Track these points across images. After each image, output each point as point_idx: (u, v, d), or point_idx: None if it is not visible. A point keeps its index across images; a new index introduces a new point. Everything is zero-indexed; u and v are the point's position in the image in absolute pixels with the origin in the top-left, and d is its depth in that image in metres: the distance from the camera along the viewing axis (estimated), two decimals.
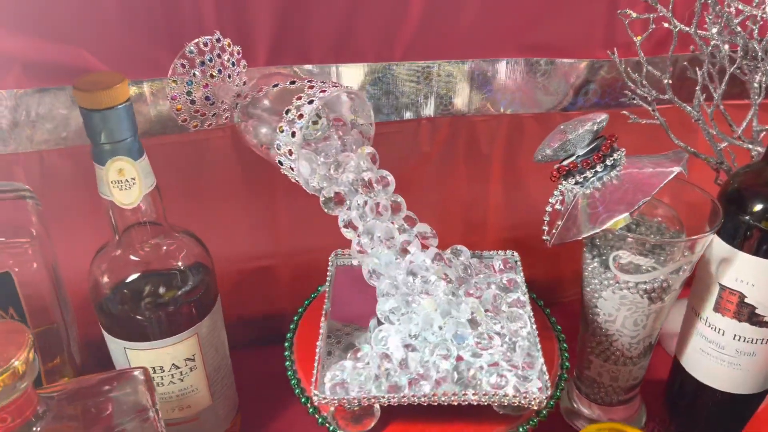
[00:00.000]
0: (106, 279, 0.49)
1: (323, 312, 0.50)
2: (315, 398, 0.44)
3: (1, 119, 0.56)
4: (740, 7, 0.54)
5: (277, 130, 0.46)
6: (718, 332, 0.56)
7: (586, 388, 0.62)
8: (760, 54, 0.53)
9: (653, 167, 0.51)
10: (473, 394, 0.43)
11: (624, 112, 0.62)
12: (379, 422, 0.45)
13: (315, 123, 0.49)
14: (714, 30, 0.55)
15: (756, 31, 0.53)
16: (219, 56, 0.53)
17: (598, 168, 0.52)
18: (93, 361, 0.60)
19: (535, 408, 0.44)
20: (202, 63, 0.52)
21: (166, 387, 0.52)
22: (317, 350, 0.46)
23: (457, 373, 0.44)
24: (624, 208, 0.49)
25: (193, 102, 0.52)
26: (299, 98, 0.45)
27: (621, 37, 0.63)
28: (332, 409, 0.45)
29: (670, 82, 0.59)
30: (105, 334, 0.51)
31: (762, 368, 0.56)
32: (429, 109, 0.64)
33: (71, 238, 0.57)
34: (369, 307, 0.51)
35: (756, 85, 0.56)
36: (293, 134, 0.45)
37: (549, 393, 0.43)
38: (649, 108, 0.61)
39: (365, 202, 0.48)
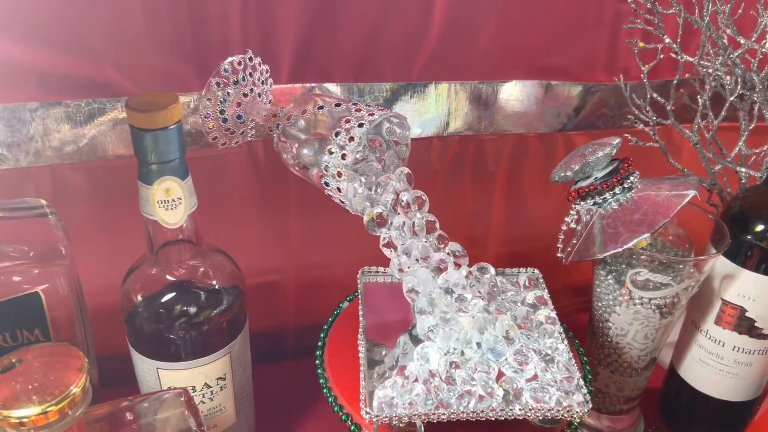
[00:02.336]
0: (140, 298, 0.49)
1: (360, 328, 0.50)
2: (366, 416, 0.44)
3: (15, 133, 0.55)
4: (741, 41, 0.58)
5: (326, 152, 0.46)
6: (719, 344, 0.60)
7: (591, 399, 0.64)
8: (758, 86, 0.57)
9: (669, 190, 0.54)
10: (519, 409, 0.45)
11: (627, 135, 0.66)
12: None
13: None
14: (718, 62, 0.59)
15: (755, 64, 0.57)
16: (251, 75, 0.53)
17: (617, 190, 0.55)
18: (105, 376, 0.58)
19: (577, 421, 0.46)
20: (236, 82, 0.52)
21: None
22: (361, 367, 0.47)
23: (501, 389, 0.46)
24: (645, 229, 0.52)
25: (225, 120, 0.52)
26: (348, 121, 0.46)
27: (620, 61, 0.67)
28: (375, 425, 0.46)
29: (673, 108, 0.62)
30: (134, 353, 0.50)
31: (757, 377, 0.60)
32: (441, 128, 0.66)
33: (86, 254, 0.55)
34: (395, 325, 0.52)
35: (745, 113, 0.61)
36: (343, 156, 0.45)
37: (589, 406, 0.45)
38: (650, 132, 0.64)
39: (403, 223, 0.49)
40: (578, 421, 0.47)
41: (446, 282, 0.50)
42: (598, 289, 0.59)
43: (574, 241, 0.57)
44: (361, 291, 0.55)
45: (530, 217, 0.75)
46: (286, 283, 0.70)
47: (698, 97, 0.61)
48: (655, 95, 0.63)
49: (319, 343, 0.55)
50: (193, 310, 0.49)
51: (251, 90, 0.53)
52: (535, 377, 0.47)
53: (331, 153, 0.46)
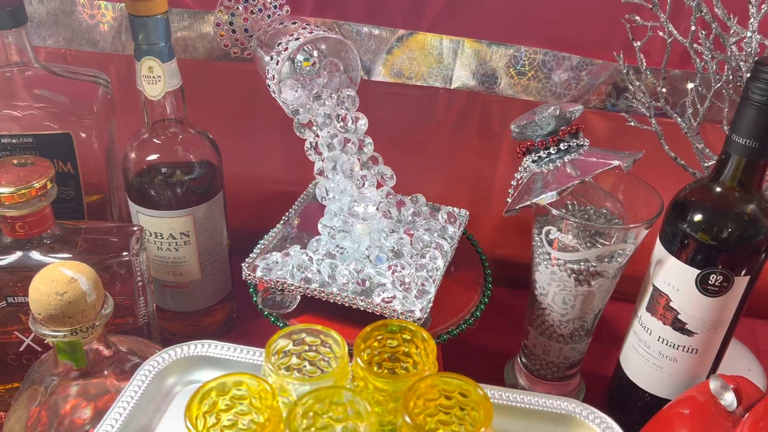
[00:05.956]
0: (133, 155, 0.63)
1: (283, 218, 0.60)
2: (246, 276, 0.54)
3: (105, 24, 0.72)
4: (736, 29, 0.55)
5: (270, 59, 0.56)
6: (647, 331, 0.58)
7: (524, 358, 0.66)
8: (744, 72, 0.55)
9: (599, 158, 0.55)
10: (361, 301, 0.51)
11: (623, 114, 0.65)
12: (296, 309, 0.55)
13: (307, 60, 0.58)
14: (707, 44, 0.57)
15: (753, 53, 0.55)
16: None
17: (552, 150, 0.56)
18: None
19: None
20: (246, 0, 0.63)
21: (164, 252, 0.65)
22: (262, 241, 0.57)
23: (362, 286, 0.52)
24: (555, 187, 0.54)
25: (234, 32, 0.64)
26: (291, 35, 0.55)
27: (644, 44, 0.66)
28: (260, 290, 0.55)
29: (664, 90, 0.61)
30: (127, 197, 0.65)
31: (682, 376, 0.58)
32: (448, 81, 0.71)
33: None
34: None
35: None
36: (277, 63, 0.55)
37: (425, 316, 0.50)
38: (647, 114, 0.64)
39: (335, 135, 0.57)
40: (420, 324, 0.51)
41: (360, 195, 0.57)
42: (532, 246, 0.61)
43: (512, 193, 0.60)
44: (308, 195, 0.64)
45: None
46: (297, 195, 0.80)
47: (688, 83, 0.60)
48: (650, 77, 0.62)
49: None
50: (168, 171, 0.62)
51: (260, 10, 0.64)
52: (396, 284, 0.52)
53: (272, 59, 0.56)
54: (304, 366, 0.41)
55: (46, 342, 0.48)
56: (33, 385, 0.53)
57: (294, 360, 0.41)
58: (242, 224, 0.73)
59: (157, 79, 0.58)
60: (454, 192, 0.76)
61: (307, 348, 0.41)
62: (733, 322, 0.56)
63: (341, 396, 0.36)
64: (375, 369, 0.42)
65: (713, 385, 0.48)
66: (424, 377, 0.36)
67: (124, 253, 0.57)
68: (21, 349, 0.59)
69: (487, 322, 0.72)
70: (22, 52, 0.62)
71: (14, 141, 0.63)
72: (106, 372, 0.51)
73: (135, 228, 0.60)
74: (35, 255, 0.56)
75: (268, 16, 0.65)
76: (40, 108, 0.63)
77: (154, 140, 0.62)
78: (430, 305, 0.51)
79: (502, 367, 0.71)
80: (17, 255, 0.55)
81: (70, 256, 0.57)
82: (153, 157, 0.62)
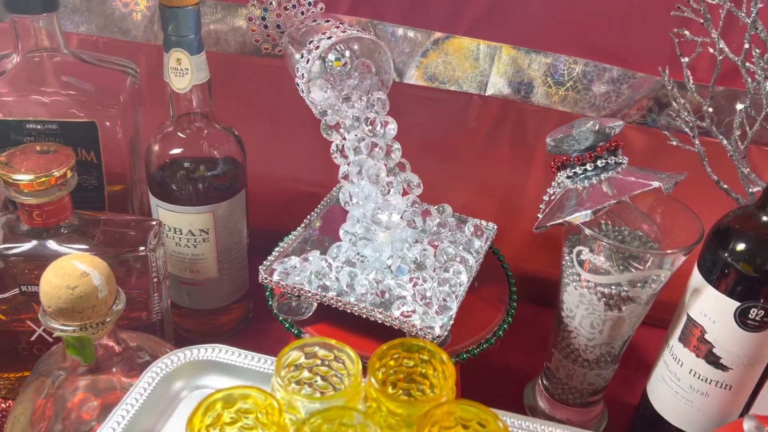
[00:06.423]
0: (156, 147, 0.61)
1: (305, 221, 0.58)
2: (263, 279, 0.52)
3: (138, 13, 0.71)
4: None
5: (300, 57, 0.54)
6: (678, 362, 0.55)
7: (546, 380, 0.64)
8: None
9: (637, 178, 0.52)
10: (379, 313, 0.49)
11: (665, 132, 0.62)
12: (312, 317, 0.53)
13: (338, 60, 0.57)
14: (761, 64, 0.54)
15: None
16: None
17: (588, 166, 0.54)
18: None
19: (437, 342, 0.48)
20: None
21: (182, 248, 0.63)
22: (282, 243, 0.55)
23: (381, 298, 0.50)
24: (589, 206, 0.52)
25: (265, 27, 0.62)
26: (324, 33, 0.53)
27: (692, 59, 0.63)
28: (276, 294, 0.54)
29: (711, 110, 0.58)
30: (149, 191, 0.63)
31: (713, 412, 0.55)
32: (483, 87, 0.69)
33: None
34: None
35: None
36: (307, 61, 0.53)
37: (446, 333, 0.48)
38: (690, 134, 0.61)
39: (363, 138, 0.55)
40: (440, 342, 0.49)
41: (385, 203, 0.55)
42: (562, 265, 0.58)
43: (543, 209, 0.57)
44: (332, 198, 0.63)
45: None
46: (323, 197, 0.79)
47: (737, 103, 0.57)
48: (696, 95, 0.59)
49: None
50: (188, 165, 0.61)
51: (294, 6, 0.62)
52: (416, 298, 0.50)
53: (302, 57, 0.54)
54: (316, 381, 0.39)
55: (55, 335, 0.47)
56: (41, 377, 0.52)
57: (305, 374, 0.39)
58: (264, 224, 0.72)
59: (184, 72, 0.57)
60: (482, 203, 0.74)
61: (319, 362, 0.39)
62: None
63: (352, 418, 0.34)
64: (390, 389, 0.40)
65: (747, 425, 0.46)
66: (441, 404, 0.34)
67: (141, 248, 0.56)
68: (32, 338, 0.58)
69: (511, 340, 0.70)
70: (52, 37, 0.61)
71: (39, 127, 0.62)
72: (114, 369, 0.50)
73: (154, 222, 0.59)
74: (51, 244, 0.55)
75: (302, 13, 0.63)
76: (67, 95, 0.62)
77: (179, 134, 0.61)
78: (452, 322, 0.49)
79: (522, 386, 0.68)
80: (33, 243, 0.54)
81: (87, 247, 0.56)
82: (176, 151, 0.61)
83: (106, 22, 0.73)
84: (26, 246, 0.54)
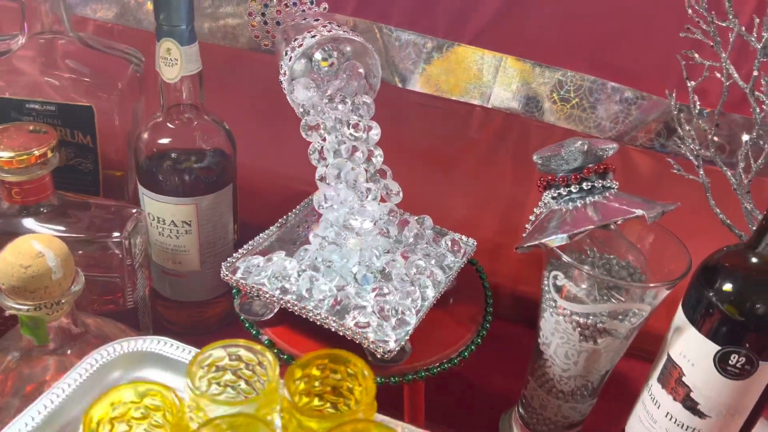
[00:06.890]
0: (145, 136, 0.62)
1: (281, 220, 0.57)
2: (224, 276, 0.51)
3: (150, 3, 0.72)
4: None
5: (285, 54, 0.53)
6: (655, 404, 0.52)
7: (522, 409, 0.61)
8: None
9: (622, 204, 0.49)
10: (333, 322, 0.47)
11: (669, 159, 0.59)
12: (274, 319, 0.52)
13: (325, 60, 0.55)
14: None
15: None
16: None
17: (573, 188, 0.51)
18: None
19: (379, 356, 0.46)
20: None
21: (165, 238, 0.63)
22: (251, 241, 0.54)
23: (338, 306, 0.49)
24: (568, 230, 0.49)
25: (265, 23, 0.62)
26: (310, 31, 0.52)
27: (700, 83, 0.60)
28: (232, 285, 0.53)
29: (716, 138, 0.55)
30: (136, 177, 0.64)
31: None
32: (486, 99, 0.66)
33: None
34: None
35: None
36: (290, 59, 0.52)
37: (398, 348, 0.46)
38: (695, 162, 0.57)
39: (343, 141, 0.54)
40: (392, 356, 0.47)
41: (361, 209, 0.53)
42: (542, 289, 0.56)
43: (528, 228, 0.55)
44: (308, 202, 0.61)
45: None
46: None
47: (743, 134, 0.53)
48: (701, 122, 0.55)
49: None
50: (175, 155, 0.61)
51: (294, 4, 0.62)
52: (375, 309, 0.49)
53: (286, 54, 0.53)
54: (239, 385, 0.38)
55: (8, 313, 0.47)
56: (1, 353, 0.52)
57: (229, 376, 0.38)
58: (254, 220, 0.71)
59: (173, 62, 0.57)
60: (479, 218, 0.72)
61: (243, 366, 0.38)
62: (755, 411, 0.49)
63: (257, 429, 0.33)
64: (317, 401, 0.38)
65: None
66: (347, 421, 0.32)
67: (116, 234, 0.56)
68: (6, 313, 0.59)
69: (500, 363, 0.67)
70: (58, 20, 0.62)
71: (37, 107, 0.63)
72: (69, 351, 0.50)
73: (134, 210, 0.59)
74: (28, 223, 0.55)
75: (303, 11, 0.62)
76: (68, 78, 0.63)
77: (168, 124, 0.61)
78: (407, 338, 0.47)
79: (502, 413, 0.65)
80: (10, 221, 0.55)
81: (64, 228, 0.56)
82: (164, 141, 0.61)
83: (122, 10, 0.74)
84: (2, 223, 0.55)
